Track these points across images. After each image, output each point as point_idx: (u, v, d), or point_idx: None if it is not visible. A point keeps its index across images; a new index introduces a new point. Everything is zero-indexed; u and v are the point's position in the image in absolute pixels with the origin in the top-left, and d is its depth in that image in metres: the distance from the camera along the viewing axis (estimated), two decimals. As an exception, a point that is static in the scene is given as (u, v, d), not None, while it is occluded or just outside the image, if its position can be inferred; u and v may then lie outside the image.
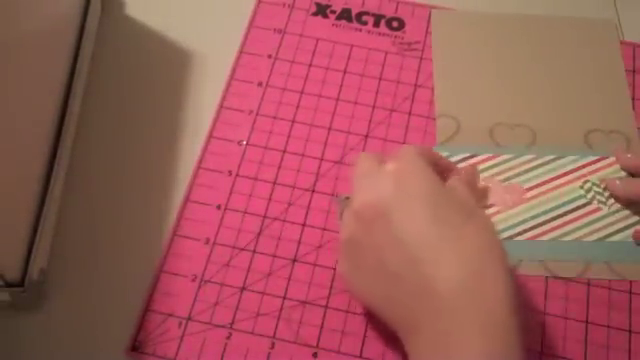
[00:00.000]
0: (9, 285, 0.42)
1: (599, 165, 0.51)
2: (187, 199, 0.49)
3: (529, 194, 0.49)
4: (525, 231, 0.48)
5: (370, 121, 0.53)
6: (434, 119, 0.53)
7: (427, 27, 0.58)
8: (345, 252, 0.42)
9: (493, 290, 0.35)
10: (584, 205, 0.49)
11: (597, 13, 0.59)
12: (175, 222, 0.48)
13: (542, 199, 0.49)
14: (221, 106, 0.53)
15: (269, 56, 0.56)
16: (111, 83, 0.54)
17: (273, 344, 0.44)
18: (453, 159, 0.50)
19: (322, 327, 0.45)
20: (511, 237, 0.48)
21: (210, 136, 0.52)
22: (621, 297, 0.47)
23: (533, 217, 0.48)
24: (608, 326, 0.46)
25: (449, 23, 0.58)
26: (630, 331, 0.45)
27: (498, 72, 0.56)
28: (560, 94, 0.55)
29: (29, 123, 0.44)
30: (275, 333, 0.45)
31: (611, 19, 0.59)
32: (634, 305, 0.46)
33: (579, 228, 0.48)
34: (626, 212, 0.49)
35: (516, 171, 0.50)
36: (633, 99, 0.55)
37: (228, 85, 0.54)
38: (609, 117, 0.54)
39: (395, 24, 0.58)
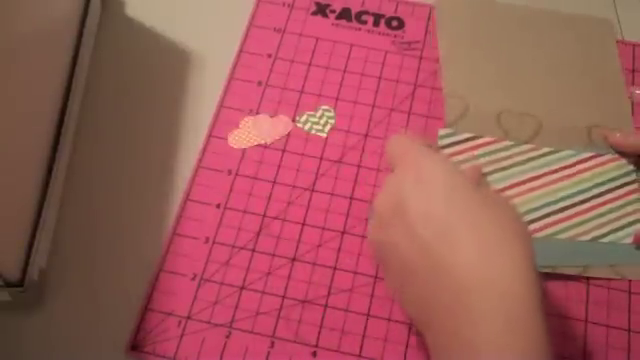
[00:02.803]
0: (9, 285, 0.42)
1: (593, 162, 0.50)
2: (187, 198, 0.49)
3: (525, 187, 0.49)
4: None
5: (370, 120, 0.53)
6: (434, 119, 0.53)
7: (427, 26, 0.58)
8: (374, 256, 0.41)
9: (509, 280, 0.33)
10: (582, 202, 0.49)
11: (597, 13, 0.59)
12: (175, 221, 0.48)
13: (541, 192, 0.49)
14: (221, 105, 0.53)
15: (269, 55, 0.56)
16: (111, 83, 0.54)
17: (272, 343, 0.44)
18: (456, 138, 0.50)
19: (321, 326, 0.45)
20: None
21: (210, 135, 0.52)
22: (621, 297, 0.47)
23: (532, 210, 0.48)
24: (607, 326, 0.46)
25: (453, 8, 0.58)
26: (629, 331, 0.45)
27: (504, 59, 0.55)
28: (564, 88, 0.55)
29: (29, 123, 0.44)
30: (274, 332, 0.45)
31: (608, 18, 0.59)
32: (633, 305, 0.46)
33: (574, 226, 0.48)
34: (620, 212, 0.49)
35: (514, 160, 0.50)
36: (634, 99, 0.54)
37: (228, 84, 0.54)
38: (608, 116, 0.53)
39: (395, 23, 0.58)
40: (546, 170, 0.50)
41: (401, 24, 0.58)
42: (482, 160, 0.49)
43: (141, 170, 0.51)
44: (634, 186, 0.50)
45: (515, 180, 0.49)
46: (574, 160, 0.50)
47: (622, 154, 0.51)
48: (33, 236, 0.44)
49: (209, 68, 0.55)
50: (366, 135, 0.52)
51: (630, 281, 0.47)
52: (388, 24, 0.58)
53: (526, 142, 0.51)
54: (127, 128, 0.52)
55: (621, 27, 0.59)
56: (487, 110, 0.52)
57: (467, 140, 0.50)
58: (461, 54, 0.55)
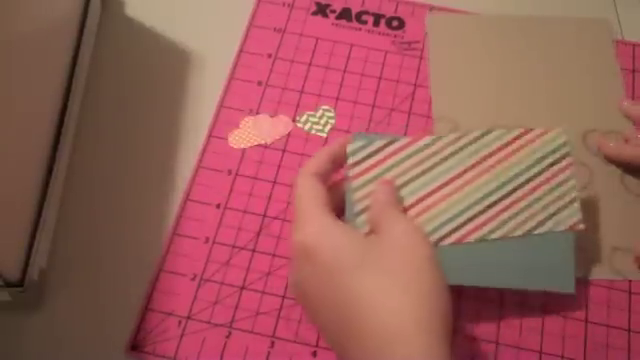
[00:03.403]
0: (9, 285, 0.42)
1: (525, 139, 0.45)
2: (187, 198, 0.49)
3: (450, 187, 0.44)
4: (450, 233, 0.43)
5: (370, 120, 0.53)
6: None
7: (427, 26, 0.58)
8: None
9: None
10: (510, 193, 0.44)
11: (597, 13, 0.59)
12: (175, 221, 0.48)
13: (467, 190, 0.44)
14: (221, 105, 0.53)
15: (269, 55, 0.56)
16: (111, 83, 0.54)
17: (272, 343, 0.44)
18: (368, 150, 0.43)
19: (321, 326, 0.45)
20: (435, 243, 0.43)
21: (210, 135, 0.52)
22: (621, 297, 0.47)
23: (457, 215, 0.43)
24: (608, 325, 0.46)
25: (445, 26, 0.58)
26: (629, 331, 0.45)
27: (495, 74, 0.55)
28: (557, 95, 0.55)
29: (29, 123, 0.44)
30: (274, 332, 0.45)
31: (604, 18, 0.59)
32: (633, 305, 0.46)
33: (506, 222, 0.44)
34: (555, 194, 0.44)
35: (437, 157, 0.44)
36: (633, 99, 0.54)
37: (228, 84, 0.54)
38: (606, 117, 0.53)
39: (395, 23, 0.58)
40: (475, 160, 0.44)
41: (401, 24, 0.58)
42: (402, 166, 0.43)
43: (141, 170, 0.50)
44: (568, 160, 0.45)
45: (439, 182, 0.44)
46: (504, 141, 0.45)
47: (613, 162, 0.51)
48: (33, 236, 0.44)
49: (209, 68, 0.55)
50: (366, 135, 0.52)
51: (630, 281, 0.47)
52: (388, 24, 0.58)
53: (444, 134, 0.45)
54: (127, 128, 0.52)
55: (621, 27, 0.59)
56: (477, 128, 0.51)
57: (383, 148, 0.43)
58: (451, 77, 0.55)
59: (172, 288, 0.46)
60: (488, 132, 0.45)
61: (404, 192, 0.43)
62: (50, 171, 0.46)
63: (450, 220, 0.43)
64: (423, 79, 0.55)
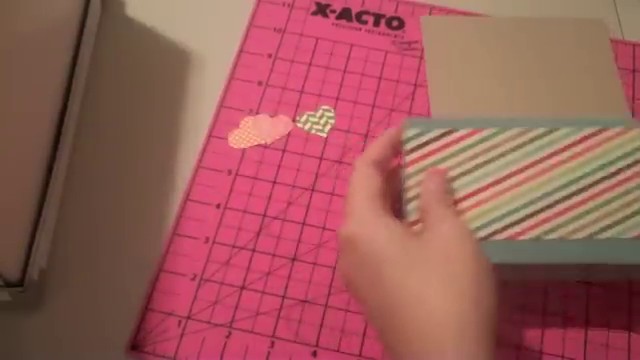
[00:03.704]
0: (9, 285, 0.42)
1: (597, 139, 0.42)
2: (187, 198, 0.49)
3: (510, 181, 0.42)
4: (504, 228, 0.41)
5: (370, 120, 0.53)
6: (434, 118, 0.53)
7: (427, 26, 0.58)
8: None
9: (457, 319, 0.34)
10: (575, 193, 0.41)
11: (597, 13, 0.59)
12: (175, 221, 0.48)
13: (528, 186, 0.41)
14: (221, 105, 0.53)
15: (269, 55, 0.56)
16: (111, 83, 0.54)
17: (273, 343, 0.44)
18: (426, 137, 0.42)
19: (321, 326, 0.45)
20: (487, 237, 0.40)
21: (210, 135, 0.52)
22: (621, 297, 0.47)
23: (514, 211, 0.41)
24: (608, 326, 0.46)
25: (440, 28, 0.58)
26: (630, 331, 0.45)
27: (492, 76, 0.55)
28: (555, 95, 0.54)
29: (29, 123, 0.44)
30: (275, 332, 0.45)
31: (600, 18, 0.59)
32: (634, 305, 0.46)
33: (566, 223, 0.41)
34: (624, 200, 0.41)
35: (499, 150, 0.42)
36: (633, 98, 0.54)
37: (228, 84, 0.54)
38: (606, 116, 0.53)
39: (395, 23, 0.58)
40: (539, 156, 0.42)
41: (401, 24, 0.58)
42: (460, 157, 0.42)
43: (141, 170, 0.51)
44: None
45: (497, 176, 0.42)
46: (575, 139, 0.42)
47: None
48: (33, 236, 0.44)
49: (209, 68, 0.55)
50: (366, 135, 0.52)
51: (630, 281, 0.47)
52: (388, 24, 0.58)
53: (509, 125, 0.43)
54: (127, 128, 0.52)
55: (621, 27, 0.59)
56: None
57: (441, 136, 0.42)
58: (448, 80, 0.55)
59: (172, 288, 0.46)
60: (557, 128, 0.43)
61: (459, 183, 0.41)
62: (50, 171, 0.46)
63: (505, 216, 0.41)
64: (423, 79, 0.55)
